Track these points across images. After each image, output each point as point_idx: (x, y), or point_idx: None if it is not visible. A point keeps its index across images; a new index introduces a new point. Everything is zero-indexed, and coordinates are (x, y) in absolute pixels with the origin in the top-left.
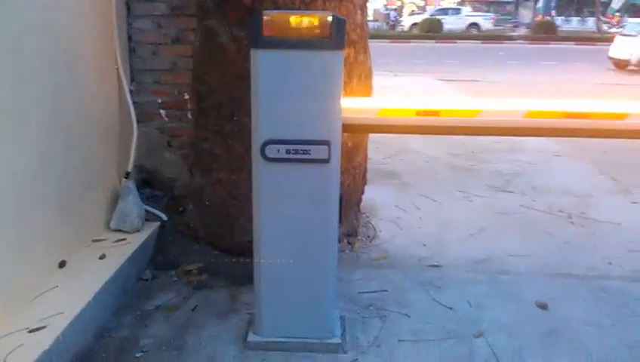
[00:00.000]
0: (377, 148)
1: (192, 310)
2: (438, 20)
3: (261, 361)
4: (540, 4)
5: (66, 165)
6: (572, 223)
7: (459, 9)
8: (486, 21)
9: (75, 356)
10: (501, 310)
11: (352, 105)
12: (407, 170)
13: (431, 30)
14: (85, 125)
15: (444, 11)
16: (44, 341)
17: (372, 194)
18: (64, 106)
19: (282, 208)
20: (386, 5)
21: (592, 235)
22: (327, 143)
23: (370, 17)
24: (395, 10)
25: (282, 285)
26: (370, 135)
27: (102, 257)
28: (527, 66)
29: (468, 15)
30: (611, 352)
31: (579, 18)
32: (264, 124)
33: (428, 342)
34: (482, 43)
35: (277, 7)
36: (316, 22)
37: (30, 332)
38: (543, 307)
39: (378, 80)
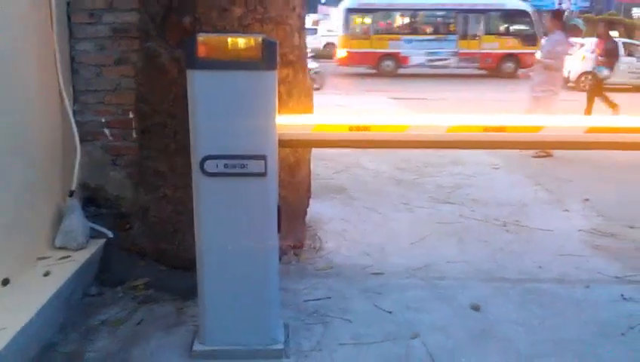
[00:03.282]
0: (327, 165)
1: (138, 324)
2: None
3: None
4: None
5: (8, 185)
6: (507, 231)
7: (315, 29)
8: None
9: None
10: (437, 313)
11: (289, 122)
12: (354, 185)
13: None
14: (27, 145)
15: None
16: None
17: (320, 208)
18: (4, 127)
19: (223, 220)
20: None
21: (525, 242)
22: (263, 158)
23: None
24: None
25: (225, 295)
26: (320, 152)
27: (46, 274)
28: (478, 85)
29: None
30: (538, 348)
31: None
32: (202, 141)
33: (367, 344)
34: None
35: (216, 30)
36: (248, 44)
37: None
38: (476, 309)
39: (334, 99)
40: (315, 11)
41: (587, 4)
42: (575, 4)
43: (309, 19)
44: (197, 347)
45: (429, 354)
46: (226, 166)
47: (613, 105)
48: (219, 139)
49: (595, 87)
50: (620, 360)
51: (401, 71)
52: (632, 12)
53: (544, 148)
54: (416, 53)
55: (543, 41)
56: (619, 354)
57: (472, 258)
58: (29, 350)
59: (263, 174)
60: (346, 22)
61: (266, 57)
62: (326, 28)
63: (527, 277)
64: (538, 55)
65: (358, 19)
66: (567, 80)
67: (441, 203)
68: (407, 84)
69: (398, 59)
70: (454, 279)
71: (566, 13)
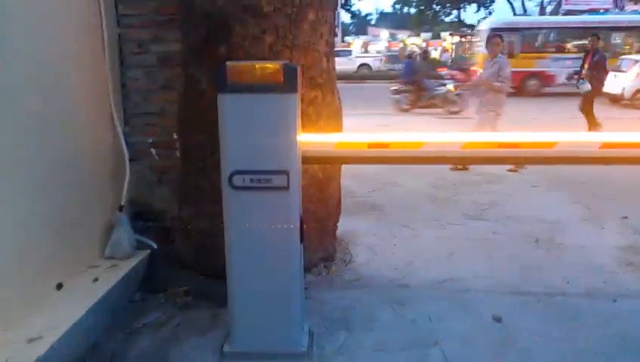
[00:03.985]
0: (363, 183)
1: (176, 327)
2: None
3: None
4: None
5: (66, 199)
6: (538, 247)
7: (350, 51)
8: (376, 62)
9: None
10: (459, 323)
11: (313, 140)
12: (388, 203)
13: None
14: (82, 164)
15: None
16: (40, 349)
17: (353, 224)
18: (63, 148)
19: (249, 231)
20: (388, 47)
21: (556, 258)
22: (285, 173)
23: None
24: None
25: (252, 302)
26: (358, 171)
27: (95, 280)
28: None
29: (358, 56)
30: (557, 359)
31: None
32: (230, 157)
33: (388, 350)
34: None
35: (249, 57)
36: (271, 69)
37: (29, 342)
38: (498, 320)
39: (377, 119)
40: (365, 33)
41: None
42: None
43: (359, 42)
44: (226, 349)
45: (447, 360)
46: (252, 180)
47: (594, 124)
48: (245, 155)
49: (584, 102)
50: None
51: (547, 90)
52: None
53: (558, 163)
54: (562, 72)
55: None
56: None
57: (499, 272)
58: (78, 347)
59: (285, 188)
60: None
61: (287, 81)
62: (376, 49)
63: (554, 291)
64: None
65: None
66: (621, 97)
67: (473, 219)
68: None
69: (544, 78)
70: (479, 292)
71: None
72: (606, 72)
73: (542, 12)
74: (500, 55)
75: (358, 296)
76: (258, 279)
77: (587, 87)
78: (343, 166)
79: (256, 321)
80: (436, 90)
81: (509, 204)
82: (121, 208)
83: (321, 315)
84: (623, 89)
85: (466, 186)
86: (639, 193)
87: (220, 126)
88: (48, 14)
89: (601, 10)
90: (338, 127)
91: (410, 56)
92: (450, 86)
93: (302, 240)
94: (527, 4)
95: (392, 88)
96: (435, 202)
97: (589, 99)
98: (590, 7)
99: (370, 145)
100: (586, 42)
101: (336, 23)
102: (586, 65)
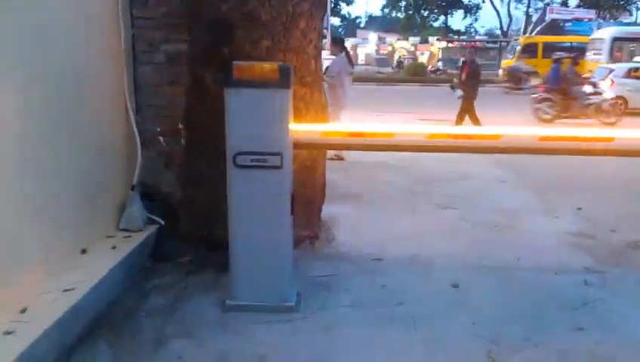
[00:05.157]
0: (348, 177)
1: (183, 288)
2: (423, 64)
3: (234, 318)
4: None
5: (88, 179)
6: (497, 231)
7: None
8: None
9: (96, 313)
10: (422, 288)
11: (303, 129)
12: (369, 193)
13: (416, 74)
14: (101, 148)
15: None
16: (75, 297)
17: (336, 210)
18: (87, 134)
19: (249, 203)
20: (377, 50)
21: (511, 240)
22: (279, 154)
23: (362, 61)
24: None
25: (250, 262)
26: (343, 166)
27: (113, 248)
28: (499, 109)
29: (326, 58)
30: (499, 314)
31: None
32: (235, 141)
33: (361, 307)
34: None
35: (249, 58)
36: (268, 69)
37: (64, 291)
38: (455, 286)
39: (364, 118)
40: (354, 36)
41: None
42: None
43: (347, 44)
44: (228, 302)
45: (410, 315)
46: (252, 160)
47: (478, 123)
48: (247, 139)
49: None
50: (564, 324)
51: None
52: None
53: (502, 153)
54: None
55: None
56: (566, 320)
57: (460, 251)
58: (102, 300)
59: (279, 167)
60: (611, 50)
61: (282, 79)
62: (364, 52)
63: (505, 266)
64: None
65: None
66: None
67: (444, 208)
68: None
69: None
70: (441, 265)
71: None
72: (479, 81)
73: (527, 20)
74: (337, 54)
75: (338, 266)
76: (256, 243)
77: (459, 93)
78: (331, 162)
79: (254, 279)
80: (588, 99)
81: (477, 196)
82: (133, 187)
83: (307, 281)
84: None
85: (441, 181)
86: (598, 189)
87: (225, 114)
88: (80, 20)
89: (585, 20)
90: (324, 119)
91: (558, 60)
92: (608, 94)
93: (292, 211)
94: (513, 12)
95: (532, 96)
96: (412, 194)
97: (468, 104)
98: (574, 16)
99: (350, 135)
100: None
101: (325, 25)
102: (464, 75)
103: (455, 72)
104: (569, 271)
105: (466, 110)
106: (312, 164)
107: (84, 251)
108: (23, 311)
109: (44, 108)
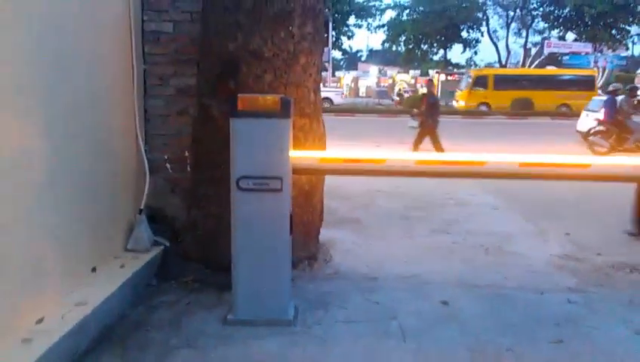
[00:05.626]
0: (346, 203)
1: (187, 304)
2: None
3: (235, 331)
4: None
5: (99, 202)
6: (487, 254)
7: None
8: (337, 96)
9: (105, 325)
10: (415, 305)
11: (301, 155)
12: (367, 219)
13: (415, 106)
14: (112, 174)
15: None
16: (86, 311)
17: (334, 234)
18: (99, 161)
19: (251, 223)
20: (378, 83)
21: (501, 261)
22: (280, 179)
23: (363, 94)
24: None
25: (252, 279)
26: (342, 193)
27: (122, 266)
28: (503, 139)
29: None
30: (486, 328)
31: None
32: (239, 165)
33: (356, 322)
34: (462, 118)
35: (253, 91)
36: (270, 101)
37: (76, 305)
38: (445, 303)
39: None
40: (355, 68)
41: (624, 62)
42: (611, 62)
43: (349, 77)
44: (230, 317)
45: (401, 329)
46: (254, 183)
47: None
48: (250, 164)
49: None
50: (546, 337)
51: None
52: None
53: (486, 178)
54: None
55: None
56: (548, 334)
57: (451, 271)
58: (112, 315)
59: (279, 190)
60: None
61: (283, 110)
62: (365, 85)
63: (493, 285)
64: None
65: None
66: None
67: (438, 233)
68: None
69: None
70: (433, 284)
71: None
72: (438, 113)
73: (526, 53)
74: None
75: (335, 285)
76: (257, 261)
77: (414, 124)
78: (329, 188)
79: (254, 294)
80: None
81: (471, 221)
82: (140, 211)
83: (304, 298)
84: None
85: (436, 208)
86: (586, 214)
87: (231, 142)
88: (98, 57)
89: (583, 53)
90: (322, 147)
91: (614, 92)
92: None
93: (291, 231)
94: (512, 46)
95: (586, 128)
96: (408, 219)
97: (426, 134)
98: (571, 50)
99: (345, 161)
100: None
101: (327, 59)
102: (423, 106)
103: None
104: (554, 291)
105: (429, 137)
106: (311, 190)
107: (94, 269)
108: (40, 321)
109: (64, 138)
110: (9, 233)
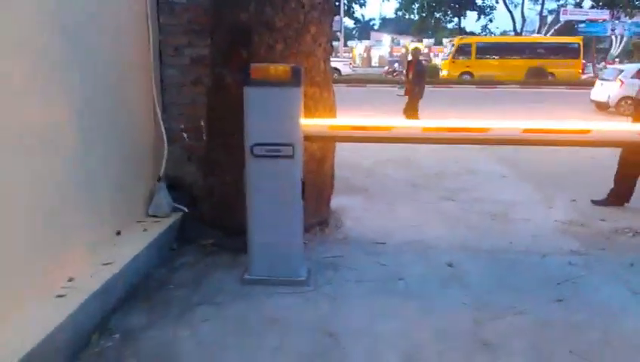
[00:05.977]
0: (357, 172)
1: (206, 266)
2: (437, 66)
3: (251, 289)
4: None
5: (122, 170)
6: (493, 220)
7: None
8: (345, 66)
9: (131, 284)
10: (419, 267)
11: (312, 123)
12: (376, 187)
13: (429, 75)
14: (133, 143)
15: None
16: (113, 270)
17: (345, 201)
18: (122, 131)
19: (265, 188)
20: (390, 52)
21: (506, 227)
22: (291, 145)
23: (376, 63)
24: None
25: (266, 240)
26: (353, 162)
27: (144, 230)
28: (517, 107)
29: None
30: (488, 289)
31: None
32: (252, 133)
33: (364, 282)
34: (476, 88)
35: (264, 60)
36: (282, 70)
37: (104, 264)
38: (450, 265)
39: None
40: (367, 38)
41: None
42: (629, 30)
43: (362, 46)
44: (246, 276)
45: (407, 289)
46: (267, 150)
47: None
48: (263, 132)
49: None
50: (546, 296)
51: None
52: None
53: (490, 144)
54: None
55: None
56: (548, 293)
57: (457, 237)
58: (137, 275)
59: (291, 156)
60: None
61: (294, 79)
62: (378, 54)
63: (497, 249)
64: None
65: None
66: (607, 105)
67: (445, 200)
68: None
69: None
70: (438, 248)
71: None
72: (424, 79)
73: (542, 21)
74: None
75: (345, 249)
76: (271, 223)
77: (401, 91)
78: (340, 158)
79: (269, 255)
80: None
81: (479, 189)
82: (159, 179)
83: (316, 260)
84: (609, 97)
85: (445, 177)
86: (593, 183)
87: (244, 110)
88: (116, 28)
89: (600, 20)
90: (332, 116)
91: None
92: None
93: (303, 196)
94: (528, 14)
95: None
96: (416, 187)
97: (413, 102)
98: (588, 17)
99: (353, 128)
100: None
101: (338, 28)
102: (410, 74)
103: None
104: (556, 254)
105: (408, 110)
106: (322, 157)
107: (119, 233)
108: (71, 280)
109: (89, 111)
110: (40, 199)
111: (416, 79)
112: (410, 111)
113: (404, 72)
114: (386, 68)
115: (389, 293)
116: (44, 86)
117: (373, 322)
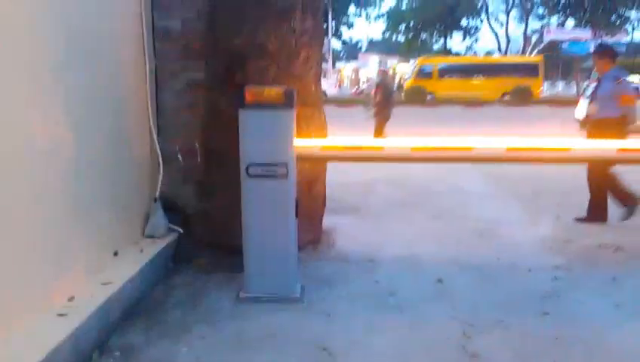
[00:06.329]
0: (348, 191)
1: (202, 284)
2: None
3: (247, 307)
4: None
5: (119, 192)
6: (480, 237)
7: None
8: (330, 87)
9: (130, 303)
10: (410, 282)
11: (305, 143)
12: (367, 206)
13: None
14: (129, 165)
15: None
16: (112, 289)
17: (337, 220)
18: (118, 154)
19: (260, 207)
20: (378, 73)
21: (493, 244)
22: (285, 165)
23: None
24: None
25: (262, 259)
26: (345, 182)
27: (141, 251)
28: (502, 127)
29: None
30: (475, 303)
31: (564, 82)
32: (248, 154)
33: (357, 298)
34: (465, 107)
35: (258, 83)
36: (275, 92)
37: (103, 284)
38: (439, 281)
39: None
40: (355, 59)
41: (623, 48)
42: None
43: (350, 67)
44: (242, 294)
45: (399, 304)
46: (262, 170)
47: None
48: (258, 152)
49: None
50: (533, 310)
51: None
52: None
53: (476, 162)
54: None
55: None
56: (534, 307)
57: (446, 253)
58: (133, 294)
59: (285, 176)
60: None
61: (287, 101)
62: (366, 75)
63: (484, 265)
64: None
65: None
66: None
67: (434, 218)
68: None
69: None
70: (428, 264)
71: None
72: (391, 103)
73: (526, 41)
74: None
75: (338, 266)
76: (265, 242)
77: (370, 113)
78: (331, 178)
79: (264, 274)
80: None
81: (466, 208)
82: (155, 199)
83: (310, 277)
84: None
85: (433, 195)
86: (578, 200)
87: (240, 132)
88: (116, 54)
89: (583, 40)
90: (323, 135)
91: None
92: None
93: (297, 215)
94: (513, 34)
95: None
96: (406, 206)
97: (381, 124)
98: (571, 36)
99: (346, 148)
100: None
101: (327, 49)
102: (377, 97)
103: None
104: (541, 269)
105: (375, 124)
106: (314, 177)
107: (116, 253)
108: (71, 299)
109: (86, 131)
110: (39, 220)
111: (384, 102)
112: (377, 134)
113: (372, 93)
114: (355, 89)
115: (382, 308)
116: (41, 110)
117: (366, 336)
